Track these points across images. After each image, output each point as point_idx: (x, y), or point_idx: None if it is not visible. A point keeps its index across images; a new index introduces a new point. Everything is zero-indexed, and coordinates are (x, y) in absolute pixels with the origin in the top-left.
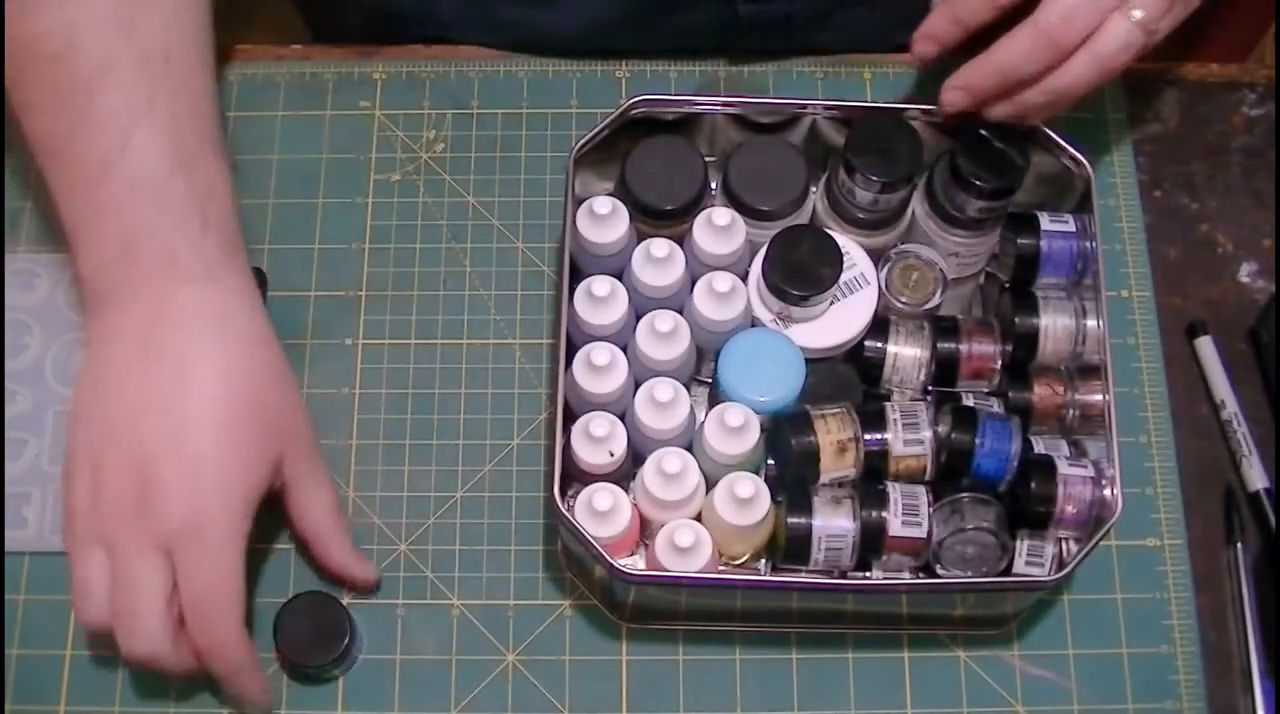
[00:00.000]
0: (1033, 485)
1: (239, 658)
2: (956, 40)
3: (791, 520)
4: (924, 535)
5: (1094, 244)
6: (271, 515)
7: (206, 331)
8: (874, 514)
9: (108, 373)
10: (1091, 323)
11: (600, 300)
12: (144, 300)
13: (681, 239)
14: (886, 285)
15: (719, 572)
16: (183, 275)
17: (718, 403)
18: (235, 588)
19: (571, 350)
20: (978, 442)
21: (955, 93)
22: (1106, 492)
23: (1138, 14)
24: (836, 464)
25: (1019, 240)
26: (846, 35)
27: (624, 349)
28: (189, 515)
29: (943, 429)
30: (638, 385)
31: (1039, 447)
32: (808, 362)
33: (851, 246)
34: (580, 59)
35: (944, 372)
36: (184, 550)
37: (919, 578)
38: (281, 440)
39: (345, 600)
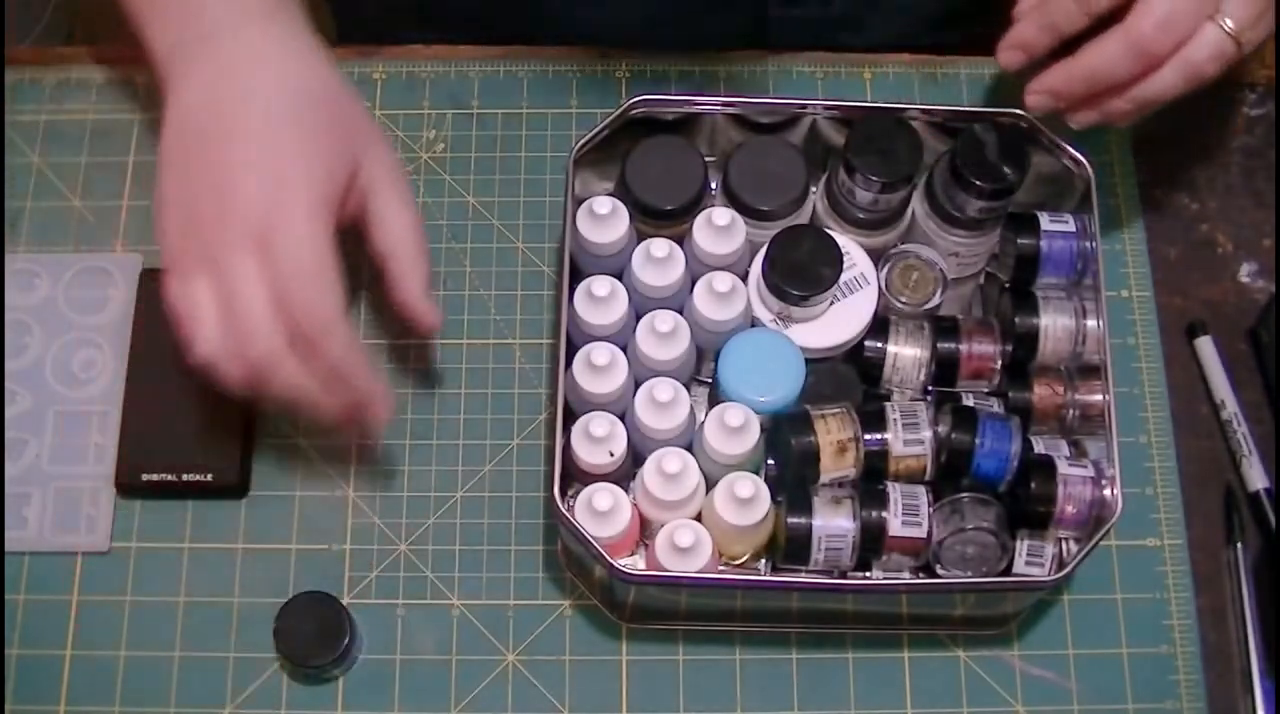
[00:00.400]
0: (1033, 485)
1: (343, 341)
2: (1046, 48)
3: (791, 521)
4: (924, 535)
5: (1094, 244)
6: (271, 514)
7: (271, 55)
8: (874, 514)
9: (185, 116)
10: (1091, 323)
11: (600, 300)
12: (213, 45)
13: (681, 239)
14: (886, 285)
15: (719, 572)
16: (247, 15)
17: (718, 403)
18: (328, 266)
19: (571, 350)
20: (978, 442)
21: (1041, 97)
22: (1106, 491)
23: (1230, 24)
24: (836, 464)
25: (1019, 240)
26: (872, 38)
27: (624, 349)
28: (271, 205)
29: (943, 429)
30: (638, 385)
31: (1039, 446)
32: (808, 362)
33: (851, 246)
34: (580, 59)
35: (944, 372)
36: (272, 239)
37: (919, 578)
38: (353, 140)
39: (345, 601)
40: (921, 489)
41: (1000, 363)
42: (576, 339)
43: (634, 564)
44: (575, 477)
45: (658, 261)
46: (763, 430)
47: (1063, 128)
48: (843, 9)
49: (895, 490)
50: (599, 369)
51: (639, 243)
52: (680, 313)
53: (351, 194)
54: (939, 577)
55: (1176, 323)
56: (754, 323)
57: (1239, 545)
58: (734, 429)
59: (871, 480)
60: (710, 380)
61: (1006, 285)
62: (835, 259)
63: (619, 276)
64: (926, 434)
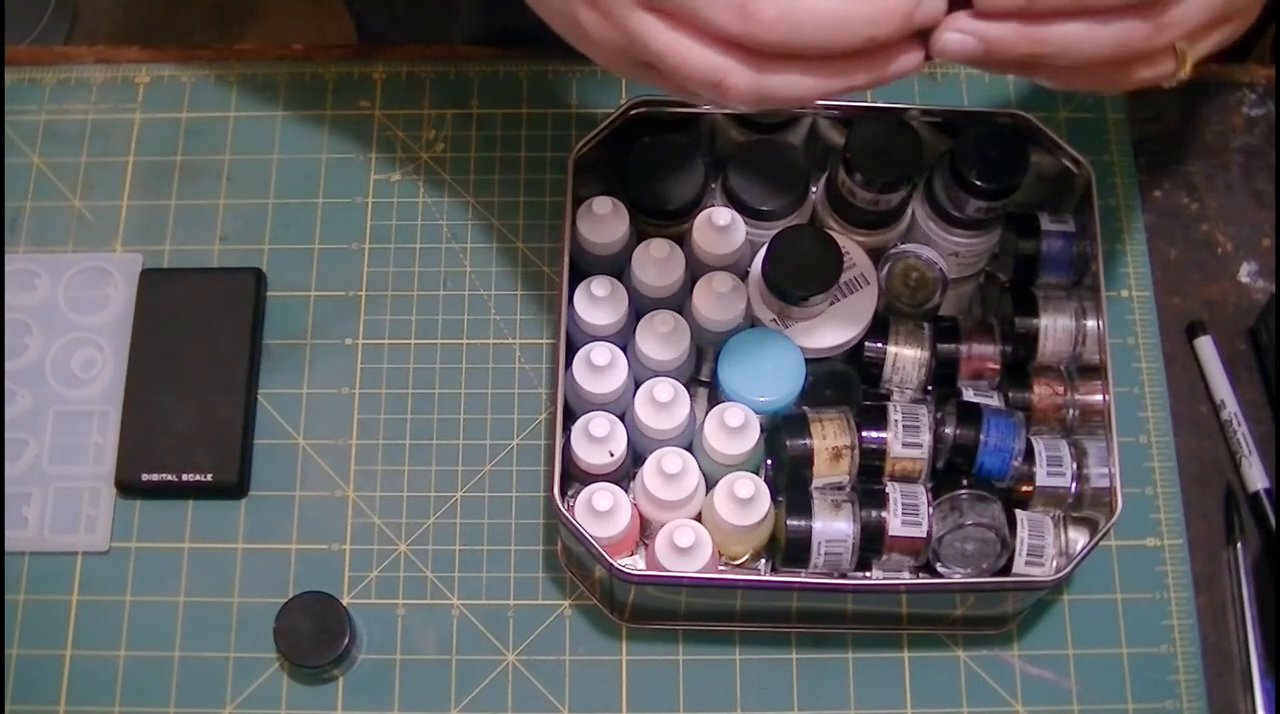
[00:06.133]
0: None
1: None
2: None
3: (791, 523)
4: (924, 535)
5: (1094, 244)
6: (271, 514)
7: None
8: (874, 514)
9: None
10: (1091, 323)
11: (600, 301)
12: None
13: (681, 239)
14: (886, 285)
15: (719, 572)
16: None
17: (718, 403)
18: None
19: (571, 350)
20: (982, 439)
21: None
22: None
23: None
24: (830, 469)
25: (1019, 240)
26: None
27: (624, 349)
28: None
29: (949, 429)
30: (638, 385)
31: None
32: (808, 362)
33: (851, 246)
34: (580, 59)
35: (944, 372)
36: None
37: (919, 578)
38: None
39: (345, 601)
40: (921, 488)
41: (1000, 363)
42: (576, 339)
43: (634, 564)
44: (575, 477)
45: (658, 261)
46: (763, 431)
47: (1063, 128)
48: None
49: (895, 490)
50: (599, 369)
51: (639, 243)
52: (680, 313)
53: None
54: (939, 576)
55: (1176, 323)
56: (754, 323)
57: (1239, 545)
58: (734, 429)
59: (870, 478)
60: (710, 380)
61: (1006, 285)
62: (835, 259)
63: (619, 276)
64: (925, 438)
